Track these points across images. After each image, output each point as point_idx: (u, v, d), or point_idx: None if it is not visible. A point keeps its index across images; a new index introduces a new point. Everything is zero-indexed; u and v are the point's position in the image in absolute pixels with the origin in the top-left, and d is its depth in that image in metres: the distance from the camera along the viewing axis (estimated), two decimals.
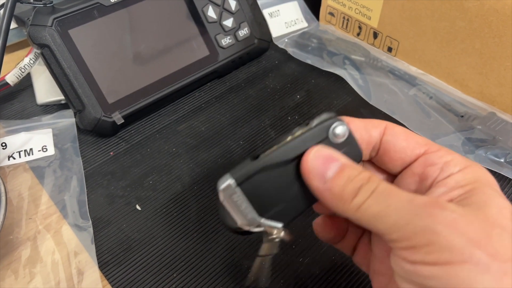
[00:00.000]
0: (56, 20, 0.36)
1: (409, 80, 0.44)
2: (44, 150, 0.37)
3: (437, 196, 0.20)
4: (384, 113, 0.43)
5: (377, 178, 0.20)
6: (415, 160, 0.22)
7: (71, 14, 0.37)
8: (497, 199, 0.19)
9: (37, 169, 0.36)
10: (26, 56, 0.39)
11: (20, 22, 0.44)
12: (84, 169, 0.37)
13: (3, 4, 0.37)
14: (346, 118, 0.23)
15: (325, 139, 0.21)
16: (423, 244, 0.18)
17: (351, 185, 0.20)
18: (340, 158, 0.21)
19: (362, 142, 0.23)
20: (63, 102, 0.42)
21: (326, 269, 0.31)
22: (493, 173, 0.37)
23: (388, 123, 0.24)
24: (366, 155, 0.24)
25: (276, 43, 0.50)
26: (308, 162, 0.21)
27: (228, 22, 0.45)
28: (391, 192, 0.19)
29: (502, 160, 0.37)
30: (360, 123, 0.23)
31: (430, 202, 0.18)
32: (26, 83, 0.44)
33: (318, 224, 0.26)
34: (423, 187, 0.22)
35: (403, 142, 0.23)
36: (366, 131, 0.23)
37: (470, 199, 0.19)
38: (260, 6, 0.48)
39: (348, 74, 0.46)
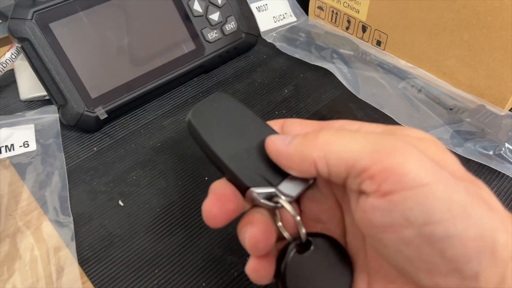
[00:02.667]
0: (36, 13, 0.35)
1: (398, 74, 0.44)
2: (26, 145, 0.37)
3: None
4: (373, 107, 0.42)
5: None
6: None
7: (52, 7, 0.36)
8: (418, 133, 0.20)
9: (18, 165, 0.36)
10: (8, 51, 0.38)
11: (4, 17, 0.43)
12: (67, 165, 0.36)
13: None
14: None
15: None
16: (395, 166, 0.17)
17: (311, 132, 0.20)
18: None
19: None
20: (47, 97, 0.42)
21: None
22: (482, 166, 0.36)
23: (285, 119, 0.24)
24: None
25: (264, 37, 0.49)
26: (270, 138, 0.21)
27: (215, 16, 0.44)
28: (352, 124, 0.21)
29: (491, 153, 0.36)
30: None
31: (388, 130, 0.19)
32: (9, 79, 0.43)
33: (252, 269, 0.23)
34: None
35: (298, 127, 0.23)
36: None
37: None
38: (247, 0, 0.48)
39: (336, 68, 0.45)
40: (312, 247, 0.22)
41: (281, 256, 0.22)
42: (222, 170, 0.22)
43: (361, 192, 0.18)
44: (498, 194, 0.34)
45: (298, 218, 0.21)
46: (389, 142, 0.18)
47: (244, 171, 0.21)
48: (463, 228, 0.16)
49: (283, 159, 0.21)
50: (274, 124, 0.24)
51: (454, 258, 0.16)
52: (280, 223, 0.22)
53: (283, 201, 0.21)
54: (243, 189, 0.22)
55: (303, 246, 0.22)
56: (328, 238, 0.22)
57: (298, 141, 0.20)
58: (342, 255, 0.22)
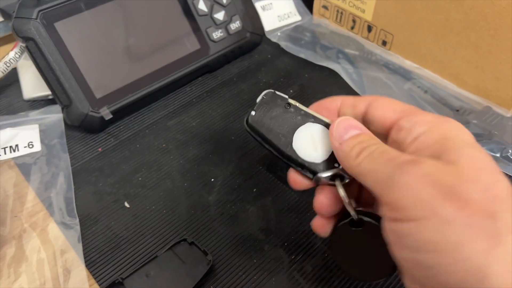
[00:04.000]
0: (41, 12, 0.35)
1: (404, 74, 0.44)
2: (30, 146, 0.36)
3: None
4: None
5: (380, 143, 0.22)
6: (393, 126, 0.23)
7: (57, 7, 0.36)
8: (468, 151, 0.20)
9: (23, 165, 0.36)
10: (12, 50, 0.38)
11: (6, 15, 0.43)
12: (71, 166, 0.36)
13: None
14: (339, 97, 0.26)
15: None
16: (396, 199, 0.19)
17: (357, 147, 0.22)
18: (362, 128, 0.23)
19: (350, 115, 0.25)
20: (50, 97, 0.41)
21: (318, 267, 0.30)
22: None
23: (376, 97, 0.25)
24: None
25: (268, 37, 0.49)
26: (334, 126, 0.24)
27: (220, 15, 0.44)
28: (384, 152, 0.21)
29: (498, 155, 0.36)
30: (349, 100, 0.26)
31: (410, 159, 0.20)
32: (12, 78, 0.43)
33: (316, 224, 0.27)
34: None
35: (380, 111, 0.24)
36: (353, 106, 0.26)
37: (442, 157, 0.20)
38: None
39: (341, 68, 0.45)
40: (363, 226, 0.24)
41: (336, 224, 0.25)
42: (289, 164, 0.26)
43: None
44: None
45: (347, 200, 0.24)
46: (395, 178, 0.19)
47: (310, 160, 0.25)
48: (449, 262, 0.17)
49: (334, 152, 0.24)
50: (362, 100, 0.25)
51: (443, 284, 0.18)
52: (347, 200, 0.24)
53: (337, 184, 0.24)
54: (311, 174, 0.25)
55: (357, 223, 0.24)
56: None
57: (345, 149, 0.23)
58: None
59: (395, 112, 0.23)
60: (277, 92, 0.27)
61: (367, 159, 0.21)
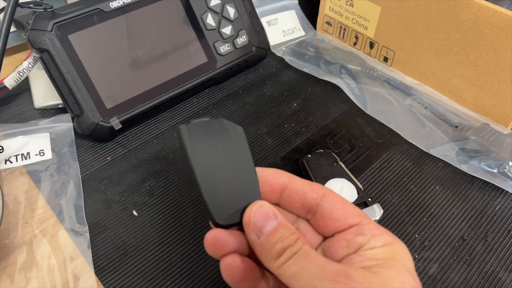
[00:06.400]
0: (56, 25, 0.36)
1: (405, 90, 0.45)
2: (41, 154, 0.37)
3: (353, 263, 0.22)
4: (380, 122, 0.43)
5: (303, 241, 0.21)
6: (348, 228, 0.24)
7: (71, 20, 0.37)
8: (403, 275, 0.21)
9: (34, 173, 0.36)
10: (25, 60, 0.39)
11: (19, 26, 0.44)
12: (81, 174, 0.37)
13: (3, 8, 0.37)
14: (286, 175, 0.25)
15: None
16: None
17: (279, 245, 0.21)
18: (278, 217, 0.22)
19: (296, 202, 0.24)
20: (60, 106, 0.42)
21: None
22: (486, 183, 0.37)
23: (327, 190, 0.25)
24: (301, 213, 0.25)
25: (273, 51, 0.50)
26: (249, 215, 0.22)
27: (227, 30, 0.45)
28: (309, 256, 0.21)
29: (495, 171, 0.37)
30: (298, 184, 0.25)
31: (340, 270, 0.20)
32: (24, 87, 0.44)
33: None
34: (348, 252, 0.23)
35: (339, 212, 0.24)
36: (302, 194, 0.24)
37: (379, 270, 0.21)
38: (258, 14, 0.49)
39: (344, 83, 0.46)
40: None
41: None
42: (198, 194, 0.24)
43: None
44: (501, 211, 0.35)
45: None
46: None
47: (218, 205, 0.23)
48: None
49: (252, 246, 0.22)
50: (313, 189, 0.24)
51: None
52: None
53: None
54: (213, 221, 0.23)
55: None
56: None
57: (267, 247, 0.21)
58: None
59: (355, 216, 0.24)
60: (333, 153, 0.37)
61: (292, 261, 0.21)
